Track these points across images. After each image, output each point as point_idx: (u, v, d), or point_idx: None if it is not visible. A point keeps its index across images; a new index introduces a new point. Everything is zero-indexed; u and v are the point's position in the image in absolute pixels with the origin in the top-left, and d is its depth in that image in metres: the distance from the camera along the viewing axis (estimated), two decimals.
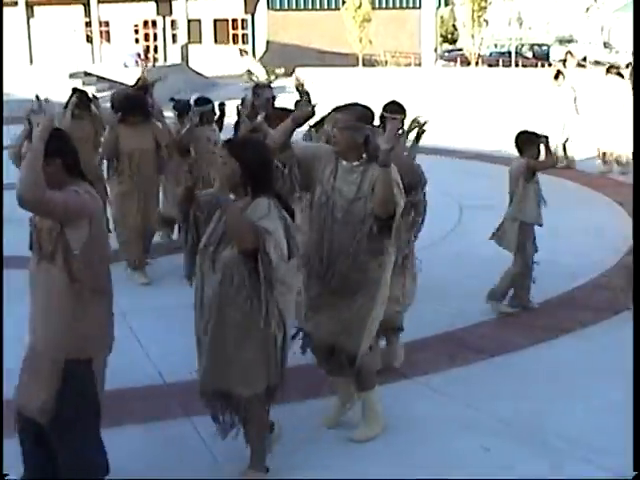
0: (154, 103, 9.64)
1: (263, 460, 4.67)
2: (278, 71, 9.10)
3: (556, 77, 14.47)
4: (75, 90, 9.71)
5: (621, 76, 14.19)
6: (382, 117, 7.17)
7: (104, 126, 8.89)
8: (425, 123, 6.74)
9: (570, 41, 51.36)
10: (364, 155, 4.94)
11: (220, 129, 9.24)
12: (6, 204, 6.71)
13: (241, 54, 10.96)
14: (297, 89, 5.68)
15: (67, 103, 9.40)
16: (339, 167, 4.96)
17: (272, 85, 8.89)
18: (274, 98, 8.34)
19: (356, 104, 5.13)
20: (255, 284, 4.28)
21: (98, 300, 4.14)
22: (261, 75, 8.56)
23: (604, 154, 14.18)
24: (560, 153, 13.97)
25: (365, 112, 4.98)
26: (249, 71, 8.73)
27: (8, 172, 9.36)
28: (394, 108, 7.15)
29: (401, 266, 5.93)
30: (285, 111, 6.80)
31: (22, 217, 4.23)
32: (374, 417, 5.25)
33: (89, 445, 4.16)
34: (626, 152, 13.23)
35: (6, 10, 40.64)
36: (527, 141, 7.45)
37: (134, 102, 8.54)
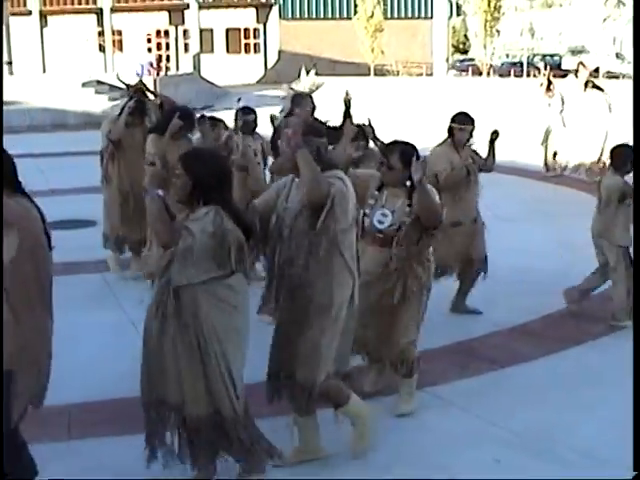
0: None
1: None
2: (319, 82, 9.08)
3: (548, 89, 14.84)
4: (132, 97, 9.18)
5: (600, 89, 14.47)
6: (450, 128, 7.24)
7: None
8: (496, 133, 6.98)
9: (582, 52, 51.31)
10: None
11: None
12: None
13: (307, 73, 10.96)
14: (345, 103, 6.13)
15: (122, 109, 9.03)
16: (292, 186, 4.87)
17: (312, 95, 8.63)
18: (314, 108, 7.99)
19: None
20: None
21: (27, 315, 4.03)
22: (307, 85, 8.50)
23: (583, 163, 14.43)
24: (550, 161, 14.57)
25: (314, 125, 5.10)
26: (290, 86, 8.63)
27: None
28: (462, 119, 7.20)
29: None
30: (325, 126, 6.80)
31: None
32: (363, 427, 5.12)
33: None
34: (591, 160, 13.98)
35: (20, 19, 40.90)
36: (622, 155, 7.22)
37: (187, 117, 8.04)
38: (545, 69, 17.60)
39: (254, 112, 8.77)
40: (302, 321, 4.73)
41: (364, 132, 7.38)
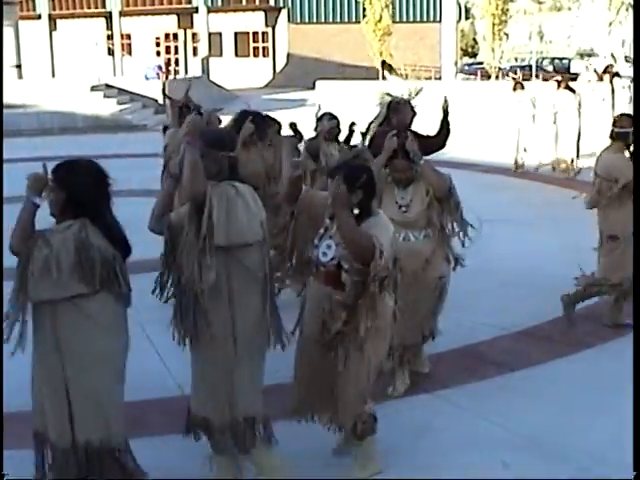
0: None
1: None
2: (419, 87, 8.97)
3: (514, 89, 15.76)
4: (194, 108, 8.59)
5: (572, 90, 15.31)
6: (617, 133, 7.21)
7: None
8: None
9: (591, 55, 51.19)
10: None
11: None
12: None
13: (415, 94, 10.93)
14: (444, 110, 6.90)
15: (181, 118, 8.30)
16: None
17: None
18: (414, 115, 7.62)
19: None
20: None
21: None
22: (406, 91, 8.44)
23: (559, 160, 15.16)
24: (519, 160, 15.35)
25: (219, 138, 4.75)
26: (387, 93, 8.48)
27: None
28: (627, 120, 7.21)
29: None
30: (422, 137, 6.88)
31: None
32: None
33: None
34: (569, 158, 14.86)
35: (29, 23, 41.03)
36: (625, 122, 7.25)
37: (260, 122, 7.56)
38: (515, 73, 18.73)
39: (337, 118, 8.21)
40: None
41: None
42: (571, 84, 15.88)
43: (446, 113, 7.42)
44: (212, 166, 4.50)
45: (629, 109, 14.59)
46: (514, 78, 16.59)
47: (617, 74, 15.37)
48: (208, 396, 4.65)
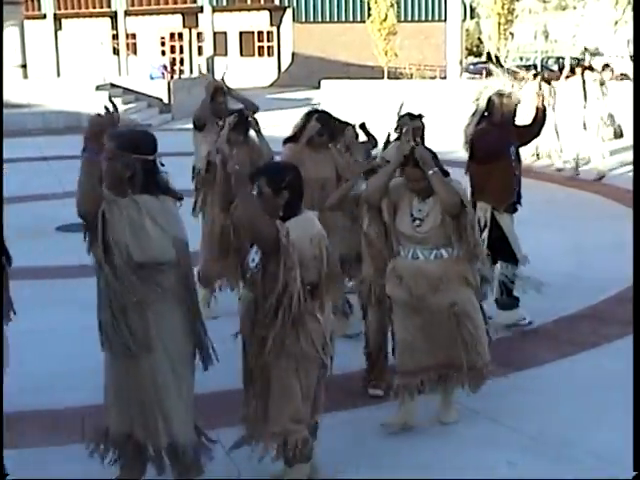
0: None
1: None
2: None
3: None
4: (233, 111, 8.00)
5: (548, 83, 15.70)
6: None
7: (263, 156, 7.50)
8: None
9: (596, 54, 51.17)
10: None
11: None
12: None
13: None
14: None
15: (222, 125, 7.77)
16: None
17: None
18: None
19: None
20: None
21: None
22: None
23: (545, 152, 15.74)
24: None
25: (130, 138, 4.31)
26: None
27: None
28: None
29: None
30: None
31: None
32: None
33: None
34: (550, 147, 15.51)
35: (34, 23, 41.08)
36: None
37: (330, 120, 7.15)
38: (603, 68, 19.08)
39: (419, 117, 7.63)
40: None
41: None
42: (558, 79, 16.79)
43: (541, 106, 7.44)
44: (124, 170, 4.16)
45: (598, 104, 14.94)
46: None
47: (589, 67, 15.72)
48: (126, 412, 4.40)
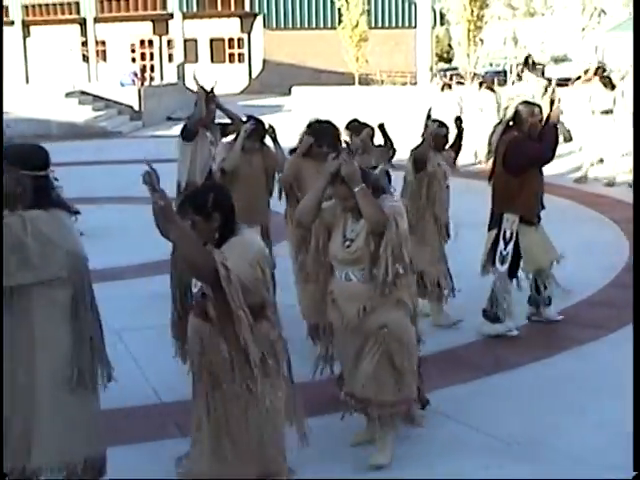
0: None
1: None
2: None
3: (442, 90, 17.28)
4: (249, 118, 7.64)
5: (492, 90, 16.64)
6: None
7: (278, 164, 7.41)
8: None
9: (565, 60, 51.51)
10: None
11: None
12: None
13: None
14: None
15: (238, 132, 7.53)
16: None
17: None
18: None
19: None
20: None
21: None
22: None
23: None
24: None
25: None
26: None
27: None
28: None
29: None
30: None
31: None
32: None
33: None
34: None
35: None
36: None
37: (328, 130, 6.83)
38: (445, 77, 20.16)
39: (446, 126, 7.64)
40: None
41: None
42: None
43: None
44: (14, 186, 4.03)
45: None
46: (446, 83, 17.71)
47: (533, 63, 16.84)
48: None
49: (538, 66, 17.74)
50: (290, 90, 27.94)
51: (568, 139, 15.19)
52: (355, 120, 7.89)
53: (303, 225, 5.34)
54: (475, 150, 16.39)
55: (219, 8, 41.54)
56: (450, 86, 17.30)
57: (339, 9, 34.64)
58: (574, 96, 16.02)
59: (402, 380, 5.10)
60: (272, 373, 4.29)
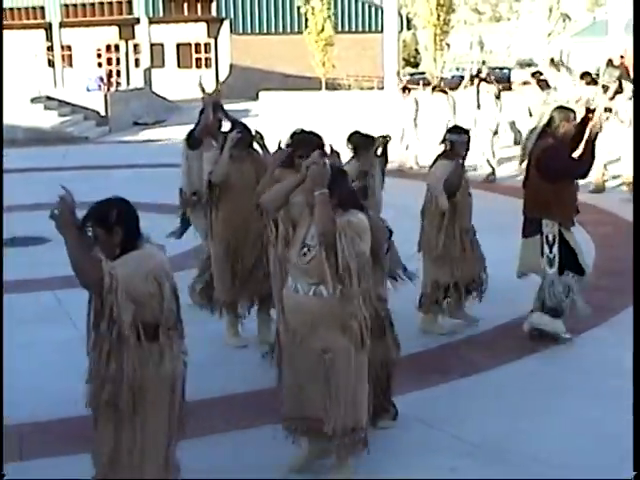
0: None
1: None
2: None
3: (403, 91, 17.44)
4: (234, 124, 7.41)
5: (445, 93, 17.05)
6: None
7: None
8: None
9: (530, 64, 51.88)
10: None
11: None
12: None
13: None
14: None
15: (224, 140, 7.23)
16: None
17: None
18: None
19: None
20: None
21: None
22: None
23: None
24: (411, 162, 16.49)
25: None
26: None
27: None
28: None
29: None
30: None
31: None
32: None
33: None
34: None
35: None
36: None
37: (310, 140, 6.37)
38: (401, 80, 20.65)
39: (467, 133, 7.58)
40: None
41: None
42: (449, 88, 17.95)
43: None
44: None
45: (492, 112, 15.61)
46: (405, 86, 18.04)
47: (485, 79, 16.33)
48: None
49: (564, 67, 17.49)
50: (257, 95, 27.88)
51: (519, 141, 15.51)
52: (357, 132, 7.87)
53: (266, 210, 5.29)
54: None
55: (186, 13, 41.42)
56: (409, 90, 17.56)
57: (305, 13, 34.66)
58: (514, 99, 16.41)
59: (337, 408, 4.79)
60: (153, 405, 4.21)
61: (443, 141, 7.50)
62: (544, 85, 15.49)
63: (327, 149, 6.62)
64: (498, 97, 15.74)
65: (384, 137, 7.29)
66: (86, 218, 4.21)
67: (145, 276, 4.09)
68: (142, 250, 4.19)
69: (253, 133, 7.28)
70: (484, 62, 25.82)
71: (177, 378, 4.30)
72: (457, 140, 7.38)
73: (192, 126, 7.87)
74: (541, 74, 16.68)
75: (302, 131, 6.56)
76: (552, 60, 19.17)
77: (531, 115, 15.04)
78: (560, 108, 7.43)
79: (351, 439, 4.86)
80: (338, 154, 6.62)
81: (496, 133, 15.64)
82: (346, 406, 4.79)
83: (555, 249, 7.06)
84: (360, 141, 7.09)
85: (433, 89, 17.65)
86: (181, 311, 4.38)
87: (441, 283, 7.48)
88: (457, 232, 7.45)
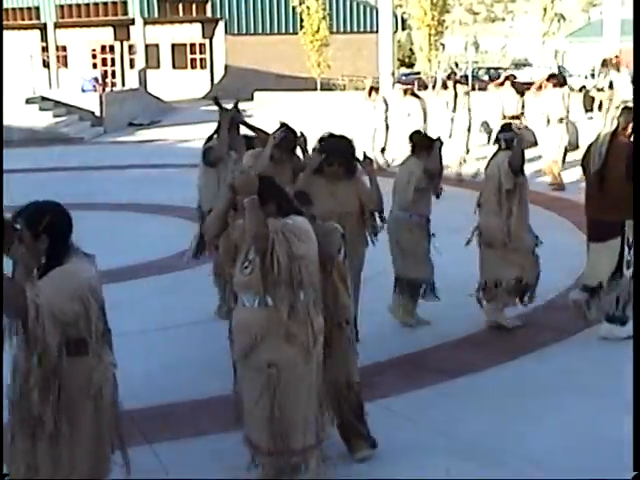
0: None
1: None
2: None
3: (369, 93, 17.61)
4: (281, 125, 7.15)
5: (417, 97, 17.30)
6: None
7: None
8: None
9: (525, 65, 51.96)
10: None
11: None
12: None
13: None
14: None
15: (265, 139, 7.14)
16: None
17: None
18: None
19: None
20: None
21: None
22: None
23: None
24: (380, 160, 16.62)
25: None
26: None
27: None
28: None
29: None
30: None
31: None
32: None
33: None
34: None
35: None
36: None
37: (340, 146, 6.33)
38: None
39: (513, 131, 7.69)
40: None
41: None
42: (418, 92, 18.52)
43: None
44: None
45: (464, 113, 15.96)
46: (372, 87, 18.24)
47: (459, 81, 16.78)
48: None
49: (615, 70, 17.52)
50: (252, 95, 27.91)
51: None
52: (418, 131, 7.99)
53: (209, 238, 4.97)
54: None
55: (181, 14, 41.38)
56: (377, 90, 17.84)
57: (300, 14, 34.67)
58: (488, 100, 16.51)
59: (284, 429, 4.53)
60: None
61: (497, 141, 7.73)
62: (519, 87, 15.75)
63: (360, 156, 6.58)
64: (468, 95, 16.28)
65: (440, 140, 7.58)
66: (18, 214, 4.03)
67: (70, 297, 3.94)
68: (68, 266, 4.00)
69: (298, 136, 7.07)
70: (457, 64, 26.15)
71: (105, 387, 4.22)
72: (508, 137, 7.55)
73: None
74: (515, 77, 16.85)
75: (331, 135, 6.43)
76: (604, 61, 19.18)
77: (504, 117, 15.13)
78: (626, 109, 7.51)
79: (276, 461, 4.58)
80: (370, 160, 6.63)
81: (469, 131, 15.99)
82: (290, 425, 4.53)
83: (632, 251, 7.09)
84: (420, 141, 7.48)
85: (405, 92, 17.77)
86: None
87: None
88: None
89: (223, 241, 4.73)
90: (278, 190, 4.68)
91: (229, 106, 7.93)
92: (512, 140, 7.51)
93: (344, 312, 5.06)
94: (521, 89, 15.68)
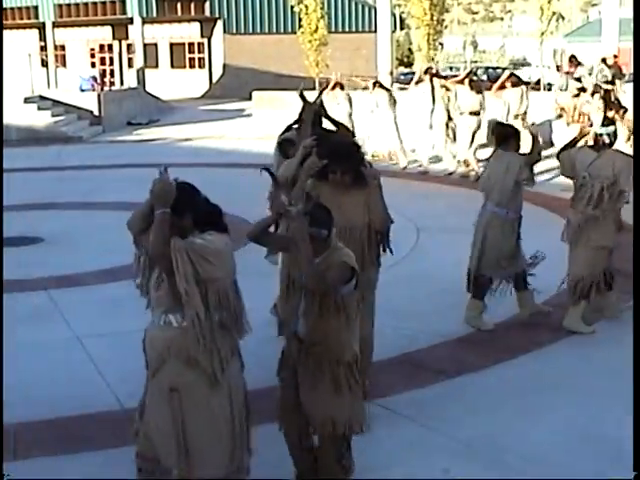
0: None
1: None
2: None
3: (333, 88, 17.34)
4: (338, 126, 6.96)
5: (387, 90, 17.70)
6: None
7: None
8: None
9: (524, 64, 51.98)
10: None
11: None
12: None
13: None
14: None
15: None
16: None
17: None
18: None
19: None
20: None
21: None
22: None
23: (389, 152, 17.18)
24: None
25: None
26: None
27: None
28: None
29: None
30: None
31: None
32: None
33: None
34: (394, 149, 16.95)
35: None
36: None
37: (343, 151, 5.69)
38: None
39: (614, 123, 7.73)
40: None
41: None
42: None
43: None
44: None
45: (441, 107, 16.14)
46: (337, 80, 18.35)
47: (436, 74, 16.95)
48: None
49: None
50: (251, 95, 27.89)
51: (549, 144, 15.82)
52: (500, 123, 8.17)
53: (132, 234, 4.53)
54: (389, 151, 17.17)
55: (179, 13, 41.38)
56: (342, 86, 18.02)
57: (298, 13, 34.67)
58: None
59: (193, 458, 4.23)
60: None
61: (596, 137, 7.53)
62: (475, 86, 15.92)
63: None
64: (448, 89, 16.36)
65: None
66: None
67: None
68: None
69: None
70: (433, 59, 26.37)
71: None
72: (611, 132, 7.49)
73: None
74: (517, 77, 16.99)
75: (329, 132, 6.18)
76: (604, 60, 19.27)
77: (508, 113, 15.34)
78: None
79: None
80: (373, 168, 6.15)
81: (447, 126, 16.08)
82: (195, 455, 4.23)
83: None
84: (505, 131, 7.49)
85: (374, 85, 17.76)
86: None
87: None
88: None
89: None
90: (195, 202, 4.28)
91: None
92: (615, 135, 7.50)
93: (340, 350, 4.65)
94: (478, 88, 16.01)
